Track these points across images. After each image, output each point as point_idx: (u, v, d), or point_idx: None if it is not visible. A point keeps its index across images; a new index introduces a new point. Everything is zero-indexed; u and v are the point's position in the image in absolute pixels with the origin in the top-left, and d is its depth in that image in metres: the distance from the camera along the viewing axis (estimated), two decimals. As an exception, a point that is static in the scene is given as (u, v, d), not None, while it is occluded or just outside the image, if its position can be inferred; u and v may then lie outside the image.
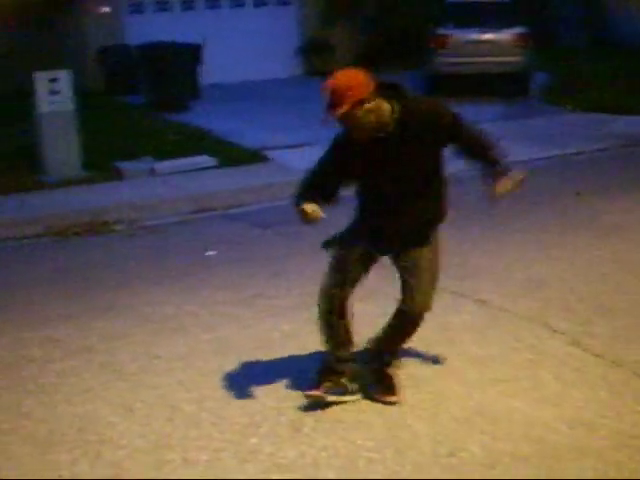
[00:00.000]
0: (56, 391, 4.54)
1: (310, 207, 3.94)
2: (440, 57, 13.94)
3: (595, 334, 5.03)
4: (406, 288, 4.11)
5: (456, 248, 6.80)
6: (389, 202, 4.04)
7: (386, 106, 3.85)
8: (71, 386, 4.60)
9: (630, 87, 13.97)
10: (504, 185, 4.01)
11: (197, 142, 10.78)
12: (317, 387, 4.24)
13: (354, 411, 4.17)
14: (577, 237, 7.03)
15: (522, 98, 14.05)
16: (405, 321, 4.18)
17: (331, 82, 3.79)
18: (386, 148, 3.90)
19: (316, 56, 16.34)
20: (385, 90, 3.87)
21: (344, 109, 3.73)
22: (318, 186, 4.05)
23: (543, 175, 9.44)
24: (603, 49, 18.35)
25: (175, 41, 13.46)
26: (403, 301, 4.13)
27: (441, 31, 14.10)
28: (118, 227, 8.05)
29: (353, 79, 3.79)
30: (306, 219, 3.97)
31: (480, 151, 4.07)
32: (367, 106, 3.78)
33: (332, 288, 4.14)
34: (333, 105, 3.75)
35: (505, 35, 13.92)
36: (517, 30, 13.98)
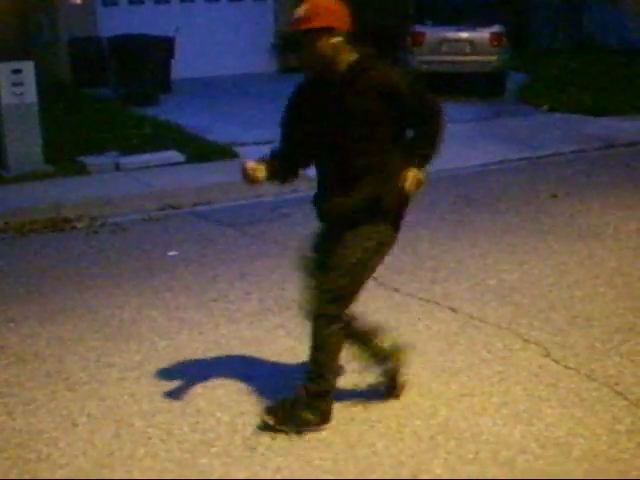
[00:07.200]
0: (-4, 403, 4.27)
1: (253, 165, 3.75)
2: (415, 55, 13.75)
3: (569, 345, 4.82)
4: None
5: (427, 251, 6.62)
6: (326, 158, 3.81)
7: (347, 51, 3.66)
8: (13, 397, 4.31)
9: (608, 88, 13.85)
10: (405, 180, 3.67)
11: (165, 137, 10.47)
12: None
13: (313, 428, 3.93)
14: (551, 241, 6.83)
15: (498, 98, 13.90)
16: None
17: None
18: (331, 94, 3.70)
19: (291, 52, 16.06)
20: (356, 41, 3.70)
21: (313, 24, 3.56)
22: (287, 140, 3.88)
23: (518, 177, 9.28)
24: (581, 50, 18.25)
25: (147, 34, 13.15)
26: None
27: (417, 29, 13.91)
28: (79, 224, 7.75)
29: (338, 6, 3.64)
30: (245, 177, 3.78)
31: (414, 138, 3.78)
32: (332, 39, 3.60)
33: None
34: (304, 18, 3.56)
35: (482, 34, 13.73)
36: (494, 29, 13.81)
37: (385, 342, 4.07)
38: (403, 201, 3.82)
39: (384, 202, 3.74)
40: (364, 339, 4.02)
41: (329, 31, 3.59)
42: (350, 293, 3.80)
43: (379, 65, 3.70)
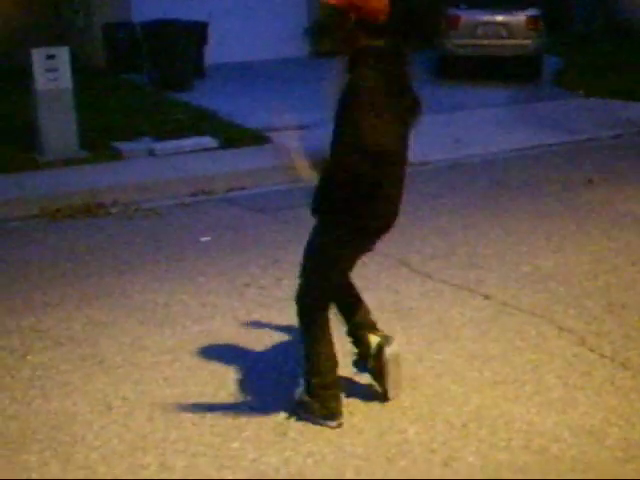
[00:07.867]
0: (32, 385, 4.31)
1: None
2: (451, 38, 13.63)
3: (604, 333, 4.77)
4: None
5: (461, 237, 6.58)
6: None
7: (361, 41, 3.47)
8: (49, 379, 4.37)
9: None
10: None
11: (199, 122, 10.50)
12: None
13: (345, 414, 3.91)
14: (588, 227, 6.75)
15: (534, 82, 13.74)
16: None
17: None
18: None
19: (324, 37, 15.99)
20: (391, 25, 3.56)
21: (332, 1, 3.46)
22: None
23: (553, 162, 9.17)
24: (617, 34, 17.96)
25: (180, 19, 13.17)
26: None
27: (452, 12, 13.77)
28: (114, 209, 7.80)
29: None
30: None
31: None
32: (348, 23, 3.46)
33: None
34: None
35: (517, 17, 13.56)
36: (530, 12, 13.64)
37: (373, 340, 3.94)
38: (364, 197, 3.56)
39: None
40: (357, 323, 3.98)
41: (346, 14, 3.46)
42: (316, 285, 3.76)
43: (359, 67, 3.46)
